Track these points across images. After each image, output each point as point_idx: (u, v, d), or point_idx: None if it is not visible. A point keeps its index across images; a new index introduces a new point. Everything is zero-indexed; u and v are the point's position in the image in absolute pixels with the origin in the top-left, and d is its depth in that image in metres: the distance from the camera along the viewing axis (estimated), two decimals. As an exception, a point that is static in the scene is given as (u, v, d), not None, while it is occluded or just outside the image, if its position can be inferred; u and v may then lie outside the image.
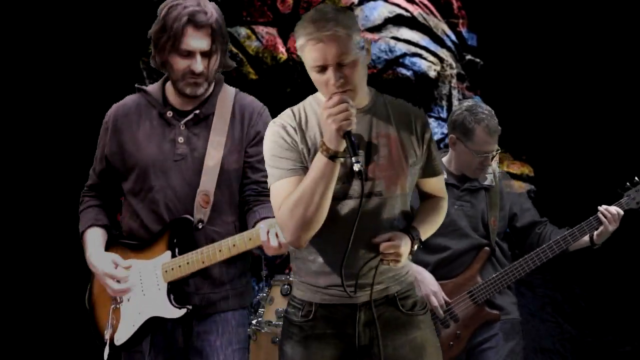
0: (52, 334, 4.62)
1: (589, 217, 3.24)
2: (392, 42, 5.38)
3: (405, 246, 2.26)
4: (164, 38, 2.58)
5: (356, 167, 2.10)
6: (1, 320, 4.56)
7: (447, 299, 3.26)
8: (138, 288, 2.66)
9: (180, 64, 2.60)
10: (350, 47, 2.15)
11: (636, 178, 3.28)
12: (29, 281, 4.63)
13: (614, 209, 3.21)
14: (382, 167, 2.26)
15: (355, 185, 2.22)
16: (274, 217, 2.38)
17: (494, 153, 3.31)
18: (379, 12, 5.42)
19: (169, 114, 2.68)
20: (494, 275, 3.27)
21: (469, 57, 5.54)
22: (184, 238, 2.62)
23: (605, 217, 3.20)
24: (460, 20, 5.57)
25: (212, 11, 2.59)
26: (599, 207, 3.23)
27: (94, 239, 2.73)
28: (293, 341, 2.33)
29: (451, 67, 5.47)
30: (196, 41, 2.57)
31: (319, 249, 2.28)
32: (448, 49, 5.52)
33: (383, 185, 2.25)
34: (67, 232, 4.01)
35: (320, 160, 2.14)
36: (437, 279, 3.26)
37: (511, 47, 5.26)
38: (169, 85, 2.72)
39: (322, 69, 2.17)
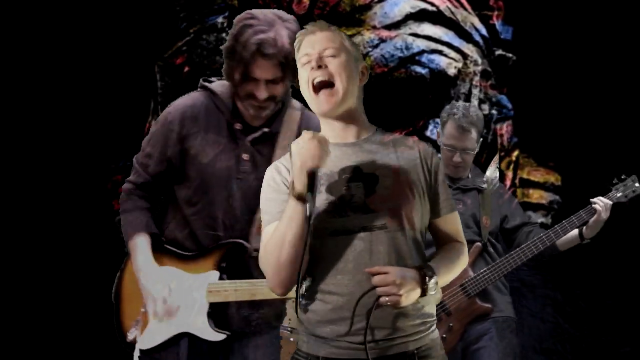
0: (60, 331, 4.67)
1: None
2: (410, 38, 5.23)
3: (404, 280, 1.97)
4: (233, 62, 2.49)
5: (307, 212, 1.94)
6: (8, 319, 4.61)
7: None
8: (176, 302, 2.55)
9: (245, 86, 2.51)
10: (341, 45, 2.12)
11: (623, 175, 3.37)
12: (37, 279, 4.66)
13: (604, 198, 3.30)
14: (384, 198, 2.06)
15: (355, 219, 2.03)
16: None
17: (466, 154, 3.38)
18: (400, 7, 5.29)
19: (238, 126, 2.57)
20: (485, 269, 3.34)
21: (499, 52, 5.39)
22: (235, 263, 2.52)
23: (600, 205, 3.26)
24: (495, 12, 5.39)
25: (284, 40, 2.46)
26: (591, 199, 3.31)
27: (146, 249, 2.59)
28: None
29: (475, 64, 5.30)
30: (263, 71, 2.47)
31: (320, 293, 2.05)
32: (475, 43, 5.36)
33: (387, 217, 2.03)
34: (73, 230, 4.11)
35: (290, 202, 1.98)
36: None
37: (550, 42, 5.05)
38: None
39: (308, 61, 2.11)
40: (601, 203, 3.26)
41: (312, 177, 1.96)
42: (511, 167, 5.12)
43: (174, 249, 2.61)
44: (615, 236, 3.38)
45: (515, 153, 5.19)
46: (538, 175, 5.12)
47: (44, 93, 4.75)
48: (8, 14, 4.70)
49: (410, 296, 1.98)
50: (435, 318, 2.14)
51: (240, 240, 2.53)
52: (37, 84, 4.74)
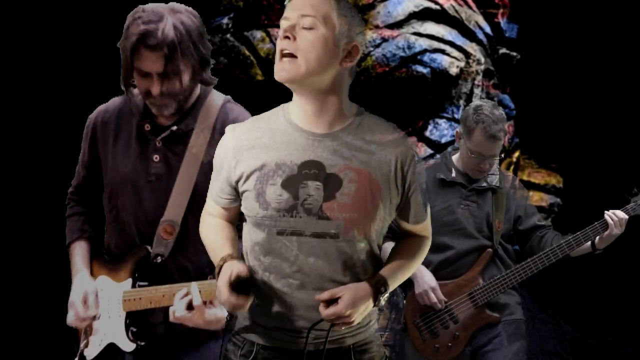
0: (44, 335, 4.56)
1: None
2: (413, 38, 5.19)
3: (356, 307, 1.88)
4: (122, 56, 2.37)
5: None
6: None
7: (445, 299, 3.27)
8: (105, 309, 2.48)
9: (140, 83, 2.37)
10: (325, 14, 1.89)
11: None
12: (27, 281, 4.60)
13: (620, 213, 3.19)
14: (343, 207, 1.91)
15: (306, 222, 1.91)
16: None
17: (494, 159, 3.30)
18: (403, 6, 5.25)
19: (147, 127, 2.43)
20: (494, 278, 3.28)
21: (503, 50, 5.37)
22: (146, 268, 2.41)
23: (612, 220, 3.17)
24: (501, 10, 5.36)
25: (168, 31, 2.28)
26: (605, 211, 3.20)
27: (79, 256, 2.56)
28: None
29: (478, 63, 5.27)
30: (150, 63, 2.30)
31: (265, 284, 1.97)
32: (478, 42, 5.34)
33: (342, 227, 1.90)
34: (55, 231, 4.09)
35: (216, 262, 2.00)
36: (440, 279, 3.28)
37: (555, 41, 4.97)
38: None
39: (284, 28, 1.91)
40: (615, 217, 3.17)
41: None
42: (511, 168, 5.09)
43: (106, 257, 2.55)
44: (618, 239, 3.27)
45: (516, 154, 5.17)
46: (539, 177, 5.08)
47: (48, 90, 4.74)
48: (15, 15, 4.70)
49: (362, 314, 1.93)
50: (376, 312, 2.08)
51: (146, 247, 2.41)
52: (42, 81, 4.73)
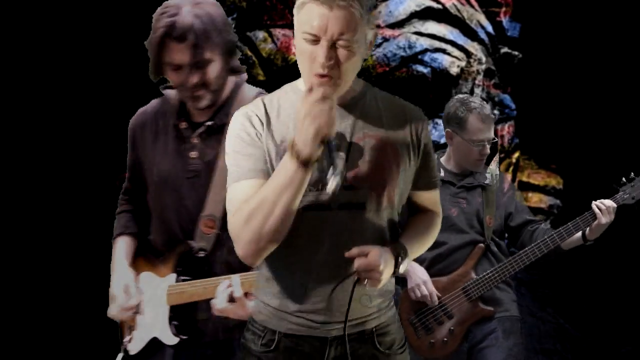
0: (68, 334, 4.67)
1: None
2: (414, 37, 5.21)
3: (385, 263, 1.86)
4: (150, 53, 2.39)
5: (331, 187, 1.76)
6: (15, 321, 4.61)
7: (439, 294, 3.28)
8: (149, 304, 2.49)
9: (173, 77, 2.39)
10: (357, 30, 1.81)
11: (632, 174, 3.29)
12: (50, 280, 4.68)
13: (607, 201, 3.20)
14: (366, 175, 1.89)
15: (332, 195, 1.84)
16: None
17: (491, 141, 3.33)
18: (405, 6, 5.27)
19: (183, 125, 2.47)
20: (487, 271, 3.29)
21: (504, 49, 5.36)
22: (189, 263, 2.42)
23: (600, 209, 3.18)
24: (503, 9, 5.35)
25: (190, 20, 2.29)
26: (593, 201, 3.22)
27: (120, 250, 2.58)
28: None
29: (479, 62, 5.27)
30: (179, 55, 2.32)
31: (286, 266, 1.93)
32: (480, 41, 5.34)
33: (367, 194, 1.88)
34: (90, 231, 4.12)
35: (289, 164, 1.78)
36: (433, 275, 3.29)
37: (557, 40, 4.95)
38: None
39: (315, 40, 1.81)
40: (602, 206, 3.19)
41: (329, 144, 1.79)
42: (510, 169, 5.07)
43: (150, 254, 2.57)
44: (616, 236, 3.31)
45: (516, 155, 5.17)
46: (538, 178, 5.06)
47: (60, 92, 4.80)
48: (28, 18, 4.75)
49: (386, 276, 1.89)
50: (392, 294, 2.06)
51: (188, 242, 2.43)
52: (54, 84, 4.79)
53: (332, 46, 1.81)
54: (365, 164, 1.89)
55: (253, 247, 1.84)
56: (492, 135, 3.34)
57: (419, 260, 3.30)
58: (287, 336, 1.94)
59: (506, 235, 3.47)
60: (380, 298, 1.99)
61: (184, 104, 2.48)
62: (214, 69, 2.36)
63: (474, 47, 5.29)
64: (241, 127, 1.92)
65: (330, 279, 1.90)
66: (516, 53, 5.34)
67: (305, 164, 1.77)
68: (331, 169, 1.78)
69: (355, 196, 1.89)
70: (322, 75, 1.84)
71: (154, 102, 2.61)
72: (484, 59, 5.28)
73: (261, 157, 1.89)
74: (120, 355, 2.54)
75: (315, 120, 1.76)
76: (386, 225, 1.95)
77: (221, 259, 2.41)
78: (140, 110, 2.62)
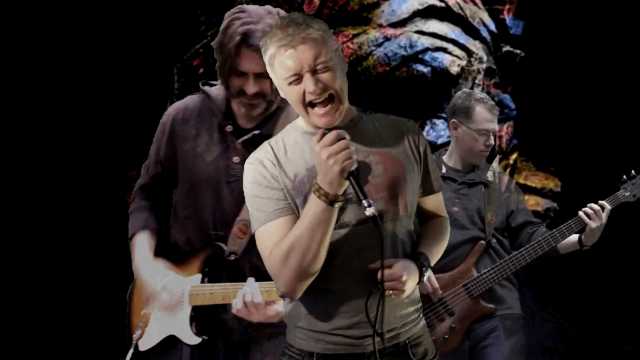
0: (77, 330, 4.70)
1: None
2: (415, 36, 5.20)
3: (409, 274, 1.97)
4: (221, 56, 2.42)
5: (369, 212, 1.86)
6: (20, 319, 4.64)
7: (439, 290, 3.28)
8: (167, 302, 2.52)
9: (235, 82, 2.43)
10: (326, 51, 1.94)
11: (632, 171, 3.29)
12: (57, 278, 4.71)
13: (595, 205, 3.20)
14: (378, 187, 1.99)
15: (350, 211, 1.96)
16: None
17: (495, 133, 3.37)
18: (408, 4, 5.25)
19: (229, 128, 2.49)
20: (488, 269, 3.29)
21: (507, 48, 5.33)
22: (217, 265, 2.47)
23: (587, 215, 3.18)
24: (507, 6, 5.32)
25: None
26: (579, 212, 3.20)
27: (142, 246, 2.59)
28: None
29: (480, 61, 5.26)
30: (250, 63, 2.38)
31: (320, 286, 1.98)
32: (482, 40, 5.32)
33: (382, 207, 1.98)
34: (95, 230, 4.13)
35: (317, 206, 1.88)
36: (434, 271, 3.22)
37: (560, 39, 4.90)
38: None
39: (297, 79, 1.94)
40: (590, 211, 3.18)
41: (356, 177, 1.89)
42: (508, 170, 5.04)
43: (170, 253, 2.59)
44: (616, 235, 3.30)
45: (514, 156, 5.14)
46: (536, 181, 5.03)
47: (67, 92, 4.83)
48: (35, 17, 4.76)
49: (411, 286, 2.00)
50: (420, 306, 2.14)
51: (220, 244, 2.48)
52: (62, 84, 4.82)
53: (314, 73, 1.93)
54: (374, 178, 1.99)
55: (294, 283, 1.94)
56: (496, 127, 3.39)
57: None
58: (325, 357, 2.01)
59: (505, 234, 3.47)
60: (412, 307, 2.07)
61: (229, 105, 2.51)
62: (274, 81, 2.40)
63: (475, 46, 5.28)
64: (256, 172, 2.02)
65: (360, 294, 1.97)
66: (518, 51, 5.33)
67: (332, 203, 1.88)
68: (363, 197, 1.88)
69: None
70: (319, 103, 1.95)
71: (194, 99, 2.61)
72: (485, 58, 5.27)
73: (281, 196, 1.98)
74: (130, 352, 2.54)
75: (337, 160, 1.85)
76: (406, 234, 2.05)
77: (251, 263, 2.46)
78: (179, 105, 2.62)
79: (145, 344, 2.56)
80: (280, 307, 2.33)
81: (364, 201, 1.87)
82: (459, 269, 3.32)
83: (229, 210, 2.47)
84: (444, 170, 3.42)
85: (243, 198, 2.30)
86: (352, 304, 1.98)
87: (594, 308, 4.85)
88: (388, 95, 4.98)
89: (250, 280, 2.36)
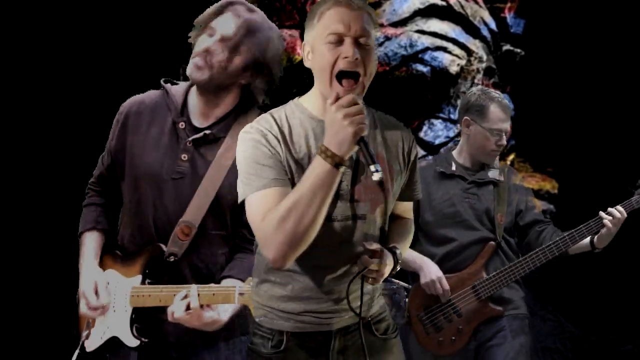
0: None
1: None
2: (415, 35, 5.19)
3: (388, 265, 2.04)
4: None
5: (376, 177, 1.88)
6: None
7: (450, 293, 3.27)
8: (111, 303, 2.47)
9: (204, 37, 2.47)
10: (372, 34, 1.99)
11: None
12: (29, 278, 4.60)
13: (616, 212, 3.16)
14: (369, 189, 2.04)
15: (339, 207, 2.00)
16: (240, 278, 2.28)
17: (508, 133, 3.34)
18: (409, 4, 5.24)
19: (181, 125, 2.46)
20: (497, 272, 3.27)
21: (507, 47, 5.32)
22: (158, 267, 2.41)
23: (612, 215, 3.14)
24: (508, 4, 5.29)
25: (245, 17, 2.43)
26: (600, 212, 3.18)
27: (89, 246, 2.55)
28: None
29: (480, 61, 5.24)
30: (227, 24, 2.42)
31: (295, 272, 2.04)
32: (482, 39, 5.31)
33: (368, 208, 2.04)
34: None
35: (321, 167, 1.88)
36: (444, 272, 3.27)
37: (561, 38, 4.87)
38: (193, 90, 2.50)
39: (338, 41, 1.95)
40: (611, 217, 3.14)
41: (366, 143, 1.90)
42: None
43: (117, 252, 2.55)
44: (617, 235, 3.24)
45: (511, 157, 5.13)
46: (533, 182, 4.99)
47: (70, 92, 4.78)
48: (35, 18, 4.73)
49: (387, 271, 2.06)
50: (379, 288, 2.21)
51: (160, 245, 2.41)
52: (65, 84, 4.77)
53: (356, 43, 1.96)
54: (368, 179, 2.00)
55: (286, 249, 1.91)
56: (509, 127, 3.34)
57: (429, 256, 3.30)
58: (295, 335, 2.07)
59: (513, 233, 3.45)
60: (372, 292, 2.16)
61: (186, 102, 2.49)
62: (231, 60, 2.41)
63: (475, 45, 5.27)
64: (258, 141, 1.99)
65: (334, 281, 2.05)
66: (518, 50, 5.31)
67: (338, 165, 1.88)
68: (371, 162, 1.90)
69: (358, 208, 2.04)
70: (347, 76, 1.96)
71: (152, 94, 2.58)
72: (484, 57, 5.26)
73: (282, 170, 1.97)
74: (76, 352, 2.53)
75: (353, 121, 1.87)
76: (379, 232, 2.10)
77: (191, 265, 2.42)
78: (136, 98, 2.58)
79: (90, 345, 2.53)
80: (216, 314, 2.32)
81: (372, 166, 1.88)
82: (469, 270, 3.31)
83: (171, 208, 2.41)
84: (453, 168, 3.39)
85: (188, 197, 2.39)
86: (324, 291, 2.05)
87: (595, 307, 4.83)
88: (387, 95, 4.96)
89: (193, 287, 2.31)
